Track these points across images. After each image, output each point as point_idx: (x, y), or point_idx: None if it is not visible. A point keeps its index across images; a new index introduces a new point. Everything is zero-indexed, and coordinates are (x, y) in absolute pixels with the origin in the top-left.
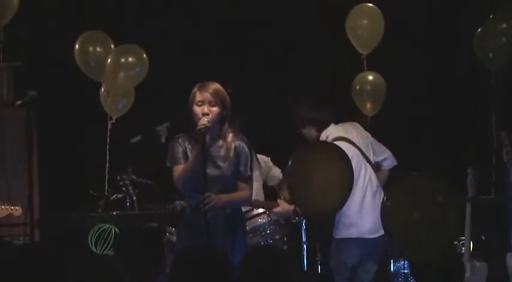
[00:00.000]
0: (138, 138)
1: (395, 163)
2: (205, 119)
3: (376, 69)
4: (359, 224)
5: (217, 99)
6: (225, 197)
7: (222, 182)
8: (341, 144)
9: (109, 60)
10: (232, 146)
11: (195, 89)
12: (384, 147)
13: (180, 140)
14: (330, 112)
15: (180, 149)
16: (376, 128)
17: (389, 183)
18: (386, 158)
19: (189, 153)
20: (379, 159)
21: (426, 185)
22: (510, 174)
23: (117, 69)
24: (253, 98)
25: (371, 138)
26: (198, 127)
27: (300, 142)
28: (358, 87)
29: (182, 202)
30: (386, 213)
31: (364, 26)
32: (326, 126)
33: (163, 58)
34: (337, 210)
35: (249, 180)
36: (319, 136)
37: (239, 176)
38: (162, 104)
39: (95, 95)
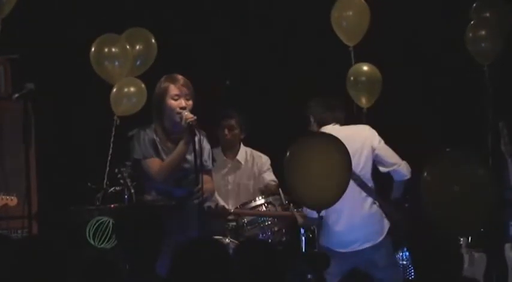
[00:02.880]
0: (135, 131)
1: (407, 176)
2: (188, 113)
3: (364, 61)
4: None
5: (191, 92)
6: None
7: (192, 174)
8: None
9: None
10: (196, 139)
11: (166, 82)
12: (395, 159)
13: (146, 131)
14: (336, 114)
15: (146, 138)
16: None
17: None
18: (395, 170)
19: (159, 146)
20: (386, 170)
21: (465, 159)
22: (508, 164)
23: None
24: (243, 95)
25: (378, 149)
26: (188, 120)
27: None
28: (352, 78)
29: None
30: (426, 189)
31: (349, 17)
32: (327, 124)
33: (158, 51)
34: (334, 202)
35: (211, 172)
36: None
37: (203, 168)
38: None
39: (94, 87)
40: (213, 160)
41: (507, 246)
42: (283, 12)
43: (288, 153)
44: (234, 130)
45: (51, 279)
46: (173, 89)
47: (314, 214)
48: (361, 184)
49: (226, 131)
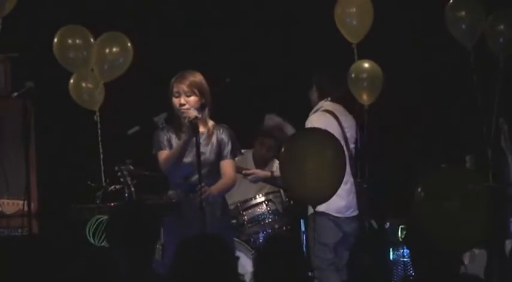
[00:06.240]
0: (135, 129)
1: None
2: (191, 110)
3: (368, 58)
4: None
5: (193, 89)
6: (214, 189)
7: (206, 168)
8: (325, 115)
9: (93, 51)
10: (214, 132)
11: (173, 79)
12: None
13: (164, 130)
14: (339, 90)
15: (165, 137)
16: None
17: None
18: None
19: (173, 142)
20: None
21: (458, 176)
22: (508, 160)
23: (102, 60)
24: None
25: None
26: (190, 118)
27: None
28: (353, 75)
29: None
30: (420, 205)
31: (353, 14)
32: (327, 97)
33: (158, 48)
34: (329, 197)
35: (231, 164)
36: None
37: (222, 159)
38: (159, 94)
39: None
40: (234, 151)
41: (508, 242)
42: (285, 9)
43: (282, 149)
44: (270, 150)
45: (50, 278)
46: (174, 87)
47: None
48: (350, 157)
49: (264, 150)
